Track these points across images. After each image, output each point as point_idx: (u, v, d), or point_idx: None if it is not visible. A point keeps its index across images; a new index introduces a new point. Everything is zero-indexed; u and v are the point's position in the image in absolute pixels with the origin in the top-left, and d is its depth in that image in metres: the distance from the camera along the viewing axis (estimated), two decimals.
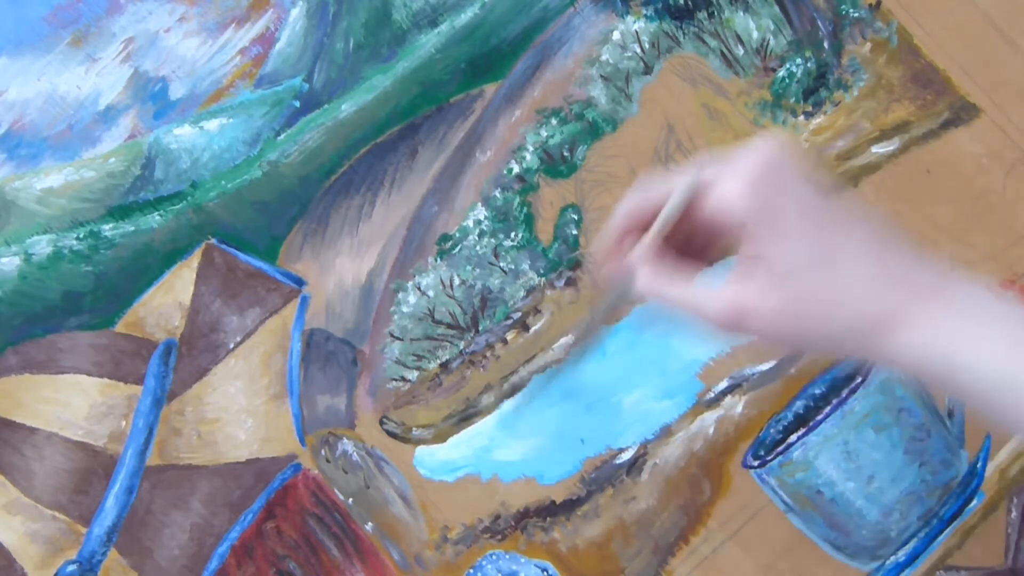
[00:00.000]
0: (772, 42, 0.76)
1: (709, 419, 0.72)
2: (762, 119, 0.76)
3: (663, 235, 0.51)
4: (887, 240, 0.50)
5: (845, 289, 0.48)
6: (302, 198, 0.72)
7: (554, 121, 0.74)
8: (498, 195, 0.73)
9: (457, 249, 0.72)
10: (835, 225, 0.48)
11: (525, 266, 0.73)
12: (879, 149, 0.76)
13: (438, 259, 0.72)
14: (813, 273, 0.48)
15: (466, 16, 0.74)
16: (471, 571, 0.69)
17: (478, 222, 0.73)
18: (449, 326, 0.72)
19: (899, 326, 0.48)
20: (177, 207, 0.70)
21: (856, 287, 0.48)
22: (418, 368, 0.71)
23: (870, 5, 0.77)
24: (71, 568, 0.66)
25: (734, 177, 0.48)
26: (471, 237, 0.73)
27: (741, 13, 0.76)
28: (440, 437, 0.71)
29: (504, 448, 0.71)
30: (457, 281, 0.72)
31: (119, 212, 0.70)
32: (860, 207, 0.50)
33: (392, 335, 0.71)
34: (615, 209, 0.53)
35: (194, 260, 0.70)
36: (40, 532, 0.66)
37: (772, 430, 0.71)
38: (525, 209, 0.73)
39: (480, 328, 0.72)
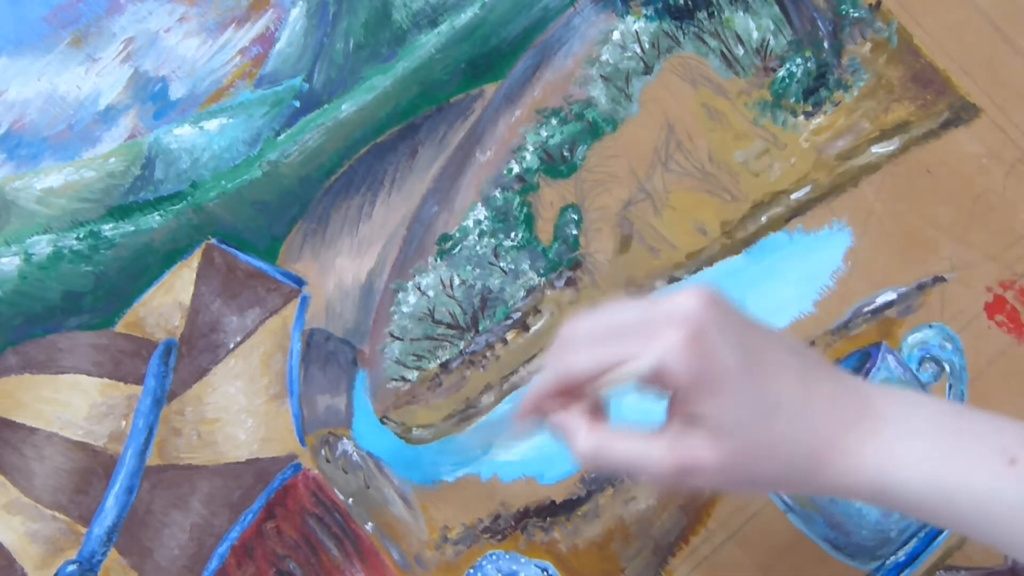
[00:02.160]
0: (772, 42, 0.76)
1: None
2: (762, 119, 0.76)
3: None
4: (816, 368, 0.50)
5: (782, 431, 0.48)
6: (302, 198, 0.72)
7: (554, 121, 0.74)
8: (498, 195, 0.73)
9: (457, 249, 0.72)
10: (770, 368, 0.48)
11: (525, 266, 0.73)
12: (879, 149, 0.76)
13: (438, 259, 0.72)
14: (752, 424, 0.48)
15: (466, 16, 0.74)
16: (471, 571, 0.69)
17: (478, 222, 0.73)
18: (449, 326, 0.72)
19: (834, 455, 0.48)
20: (177, 207, 0.70)
21: (792, 427, 0.48)
22: (418, 368, 0.71)
23: (870, 5, 0.77)
24: (71, 568, 0.66)
25: (668, 345, 0.47)
26: (471, 237, 0.73)
27: (741, 13, 0.76)
28: (440, 437, 0.71)
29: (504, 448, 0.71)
30: (457, 281, 0.72)
31: (119, 212, 0.70)
32: (785, 337, 0.51)
33: (392, 335, 0.71)
34: (546, 373, 0.51)
35: (194, 260, 0.70)
36: (40, 532, 0.66)
37: None
38: (525, 209, 0.73)
39: (480, 328, 0.72)
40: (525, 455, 0.71)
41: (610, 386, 0.49)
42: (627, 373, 0.48)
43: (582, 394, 0.50)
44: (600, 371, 0.49)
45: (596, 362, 0.49)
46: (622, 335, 0.48)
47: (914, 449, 0.48)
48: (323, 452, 0.70)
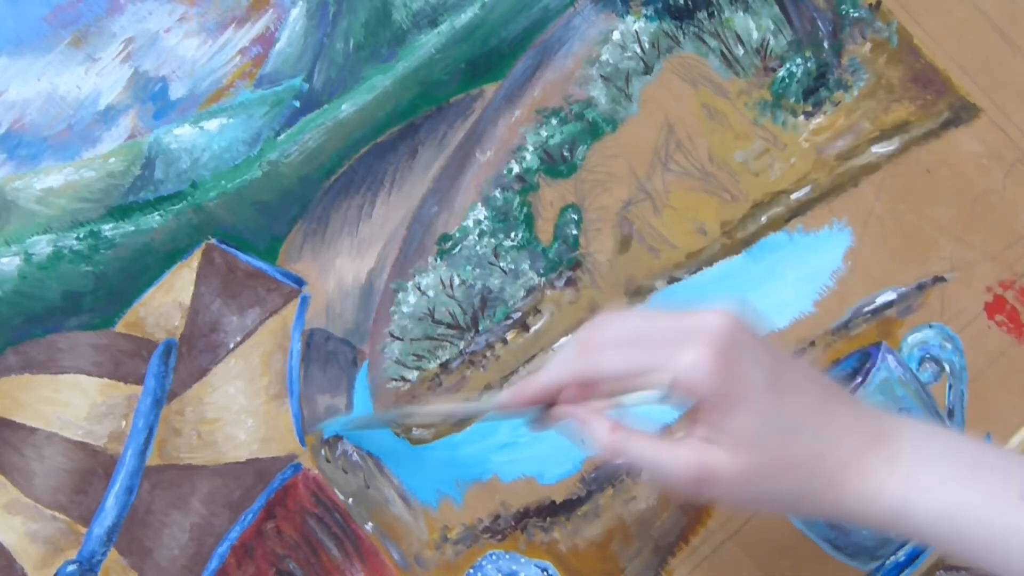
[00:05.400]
0: (772, 42, 0.76)
1: None
2: (762, 119, 0.76)
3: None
4: (835, 395, 0.51)
5: (801, 451, 0.49)
6: (302, 198, 0.72)
7: (554, 121, 0.74)
8: (498, 195, 0.73)
9: (457, 249, 0.72)
10: (790, 389, 0.50)
11: (525, 266, 0.73)
12: (879, 149, 0.76)
13: (438, 259, 0.72)
14: (771, 442, 0.49)
15: (466, 16, 0.74)
16: (471, 571, 0.69)
17: (478, 222, 0.73)
18: (449, 326, 0.72)
19: (851, 478, 0.49)
20: (177, 207, 0.70)
21: (810, 448, 0.49)
22: (418, 368, 0.71)
23: (870, 5, 0.77)
24: (71, 568, 0.66)
25: (694, 360, 0.48)
26: (471, 237, 0.73)
27: (741, 13, 0.76)
28: (440, 437, 0.71)
29: (504, 448, 0.71)
30: (457, 281, 0.72)
31: (119, 212, 0.70)
32: (805, 364, 0.52)
33: (392, 335, 0.71)
34: (565, 364, 0.52)
35: (194, 260, 0.70)
36: (40, 532, 0.66)
37: None
38: (525, 209, 0.73)
39: (480, 328, 0.72)
40: (525, 455, 0.71)
41: (633, 396, 0.50)
42: (652, 384, 0.49)
43: (598, 392, 0.51)
44: (625, 375, 0.50)
45: (622, 366, 0.50)
46: (650, 343, 0.50)
47: (930, 476, 0.49)
48: (323, 452, 0.70)
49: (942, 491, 0.48)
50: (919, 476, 0.49)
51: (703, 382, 0.48)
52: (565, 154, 0.74)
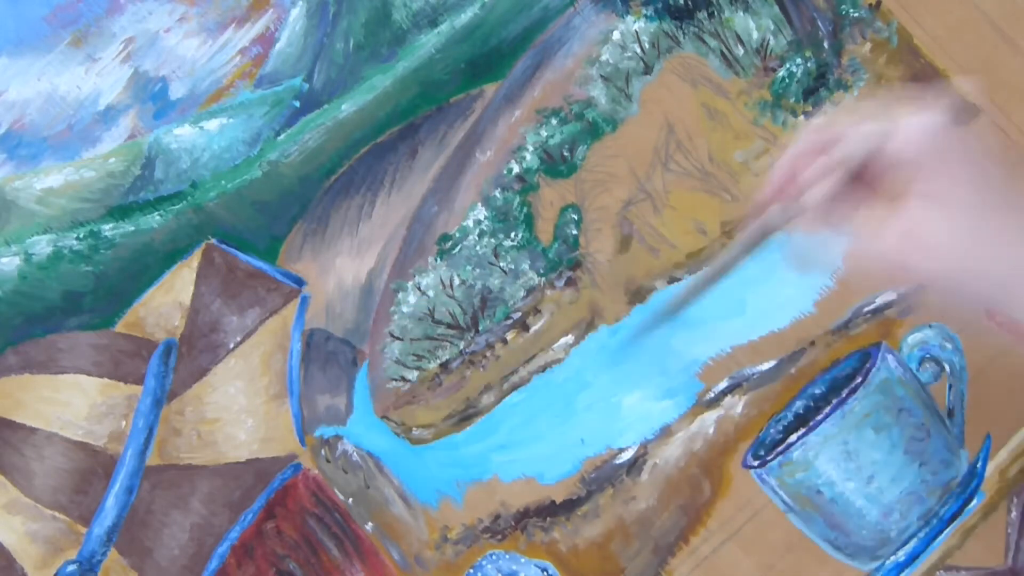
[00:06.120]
0: (772, 42, 0.76)
1: (709, 419, 0.72)
2: (762, 119, 0.76)
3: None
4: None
5: (999, 232, 0.52)
6: (302, 198, 0.72)
7: (554, 121, 0.74)
8: (498, 195, 0.73)
9: (457, 249, 0.72)
10: (989, 174, 0.53)
11: (525, 266, 0.73)
12: None
13: (438, 259, 0.72)
14: (978, 213, 0.52)
15: (466, 16, 0.74)
16: (471, 571, 0.69)
17: (478, 222, 0.73)
18: (449, 326, 0.72)
19: None
20: (177, 207, 0.70)
21: (1006, 234, 0.52)
22: (418, 368, 0.71)
23: (870, 5, 0.77)
24: (71, 568, 0.66)
25: (920, 124, 0.53)
26: (471, 237, 0.73)
27: (741, 13, 0.76)
28: (440, 437, 0.71)
29: (504, 448, 0.71)
30: (457, 281, 0.72)
31: (119, 212, 0.70)
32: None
33: (392, 335, 0.71)
34: (788, 152, 0.56)
35: (194, 260, 0.70)
36: (40, 532, 0.66)
37: (772, 430, 0.71)
38: (525, 209, 0.73)
39: (480, 328, 0.72)
40: (525, 455, 0.71)
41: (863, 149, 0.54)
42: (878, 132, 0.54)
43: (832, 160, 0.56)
44: (864, 132, 0.55)
45: (861, 126, 0.55)
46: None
47: None
48: (323, 452, 0.70)
49: None
50: None
51: (919, 147, 0.52)
52: (565, 154, 0.74)
